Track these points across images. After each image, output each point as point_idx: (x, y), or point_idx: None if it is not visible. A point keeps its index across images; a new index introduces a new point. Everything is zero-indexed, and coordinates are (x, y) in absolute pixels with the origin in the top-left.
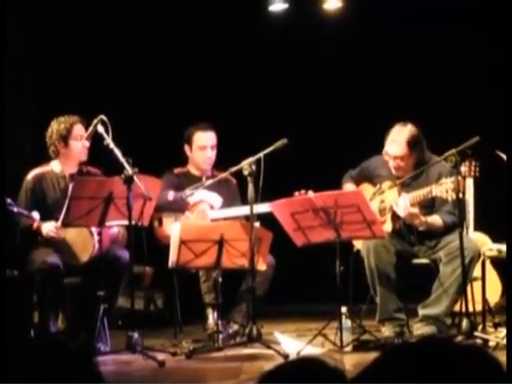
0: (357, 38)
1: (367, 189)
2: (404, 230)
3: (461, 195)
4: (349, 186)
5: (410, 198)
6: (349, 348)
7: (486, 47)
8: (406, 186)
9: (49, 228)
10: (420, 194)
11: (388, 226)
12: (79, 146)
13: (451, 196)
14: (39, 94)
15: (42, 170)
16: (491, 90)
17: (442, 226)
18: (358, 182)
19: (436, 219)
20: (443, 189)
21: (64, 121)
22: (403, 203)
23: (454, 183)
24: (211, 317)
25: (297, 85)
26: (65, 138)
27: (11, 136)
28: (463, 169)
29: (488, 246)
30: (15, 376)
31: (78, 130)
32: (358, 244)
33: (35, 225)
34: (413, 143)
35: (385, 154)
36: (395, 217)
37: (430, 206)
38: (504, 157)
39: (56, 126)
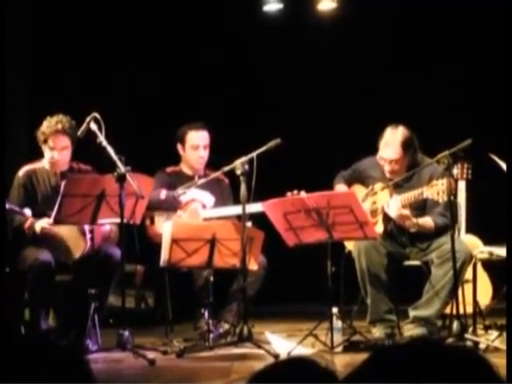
0: (350, 38)
1: (359, 190)
2: (395, 232)
3: (452, 197)
4: (340, 187)
5: (401, 200)
6: (339, 349)
7: (481, 50)
8: (397, 188)
9: (42, 225)
10: (411, 195)
11: (379, 228)
12: (49, 156)
13: (442, 198)
14: (33, 91)
15: (33, 166)
16: (484, 93)
17: (433, 228)
18: (349, 183)
19: (427, 221)
20: (434, 191)
21: (47, 126)
22: (394, 205)
23: (446, 185)
24: (202, 316)
25: (291, 85)
26: (43, 143)
27: (6, 132)
28: (455, 171)
29: (479, 249)
30: (5, 374)
31: (54, 141)
32: (350, 245)
33: (28, 223)
34: (407, 145)
35: (380, 159)
36: (387, 218)
37: (421, 207)
38: (497, 159)
39: (42, 128)
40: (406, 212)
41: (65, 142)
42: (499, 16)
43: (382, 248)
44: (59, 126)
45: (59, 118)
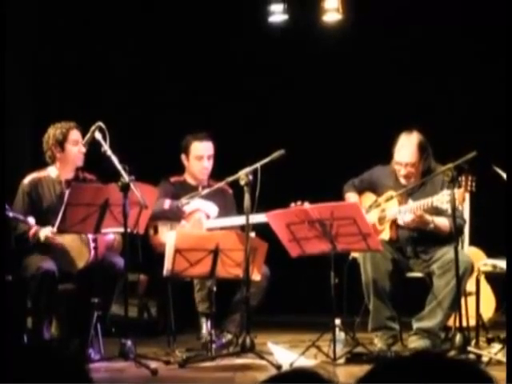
0: (355, 49)
1: (370, 198)
2: (401, 241)
3: (460, 207)
4: (351, 196)
5: (412, 209)
6: (342, 360)
7: (487, 61)
8: (411, 195)
9: (46, 233)
10: (421, 205)
11: (386, 235)
12: (75, 150)
13: (452, 208)
14: (38, 98)
15: (38, 174)
16: (489, 105)
17: (448, 229)
18: (360, 191)
19: (443, 221)
20: (444, 200)
21: (60, 126)
22: (407, 212)
23: (451, 197)
24: (205, 326)
25: (296, 96)
26: (61, 142)
27: (9, 140)
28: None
29: (483, 261)
30: (7, 382)
31: (74, 135)
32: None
33: (33, 231)
34: (422, 148)
35: (395, 163)
36: (394, 226)
37: (432, 212)
38: (501, 172)
39: (52, 131)
40: (420, 212)
41: (80, 137)
42: (504, 26)
43: (387, 253)
44: (71, 124)
45: (65, 122)
